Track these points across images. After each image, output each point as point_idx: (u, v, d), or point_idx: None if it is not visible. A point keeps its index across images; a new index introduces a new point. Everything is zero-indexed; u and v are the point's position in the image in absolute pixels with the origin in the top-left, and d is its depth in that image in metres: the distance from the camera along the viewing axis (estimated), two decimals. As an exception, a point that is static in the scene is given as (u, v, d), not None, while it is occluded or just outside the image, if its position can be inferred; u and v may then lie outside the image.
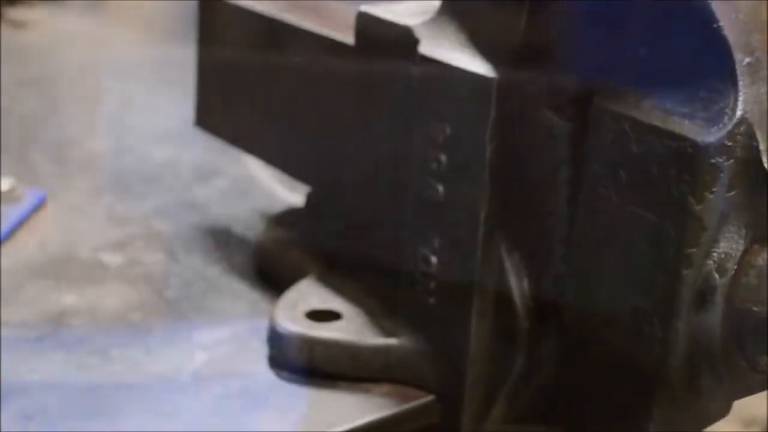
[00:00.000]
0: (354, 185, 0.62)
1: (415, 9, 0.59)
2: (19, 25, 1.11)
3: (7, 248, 0.69)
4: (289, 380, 0.59)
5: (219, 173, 0.81)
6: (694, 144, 0.47)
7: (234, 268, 0.69)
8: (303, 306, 0.61)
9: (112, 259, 0.69)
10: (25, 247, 0.70)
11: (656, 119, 0.48)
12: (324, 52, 0.63)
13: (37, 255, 0.69)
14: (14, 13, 1.13)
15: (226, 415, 0.56)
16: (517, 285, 0.55)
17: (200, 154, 0.81)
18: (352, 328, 0.60)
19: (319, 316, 0.60)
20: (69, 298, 0.65)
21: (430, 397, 0.58)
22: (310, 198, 0.66)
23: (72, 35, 1.12)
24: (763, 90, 0.47)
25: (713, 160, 0.46)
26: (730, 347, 0.48)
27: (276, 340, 0.59)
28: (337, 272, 0.64)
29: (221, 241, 0.72)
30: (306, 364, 0.59)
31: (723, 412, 0.55)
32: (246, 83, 0.70)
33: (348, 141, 0.61)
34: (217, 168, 0.81)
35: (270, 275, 0.67)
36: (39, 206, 0.75)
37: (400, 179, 0.58)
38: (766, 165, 0.47)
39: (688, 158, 0.47)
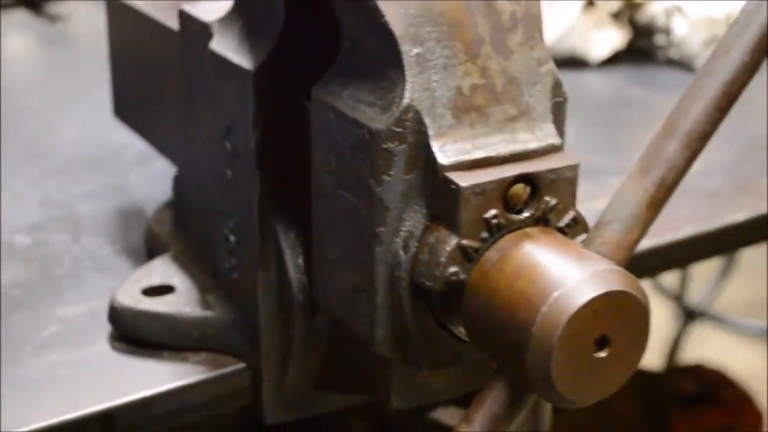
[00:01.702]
0: (189, 168, 0.67)
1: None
2: (56, 18, 1.20)
3: (-61, 231, 0.78)
4: (120, 351, 0.65)
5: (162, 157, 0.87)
6: (370, 131, 0.50)
7: (127, 248, 0.75)
8: (145, 282, 0.67)
9: (22, 240, 0.76)
10: (-53, 227, 0.78)
11: (348, 108, 0.51)
12: (170, 45, 0.68)
13: (-44, 236, 0.77)
14: (54, 6, 1.22)
15: (52, 381, 0.62)
16: (293, 262, 0.59)
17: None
18: (177, 302, 0.65)
19: (155, 291, 0.66)
20: (-34, 276, 0.72)
21: (240, 365, 0.63)
22: (174, 180, 0.72)
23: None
24: (435, 78, 0.50)
25: (385, 146, 0.49)
26: (423, 318, 0.51)
27: (112, 314, 0.65)
28: (189, 250, 0.69)
29: (130, 222, 0.78)
30: (134, 335, 0.65)
31: (468, 383, 0.58)
32: (136, 75, 0.76)
33: (187, 126, 0.66)
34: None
35: (153, 254, 0.73)
36: (-19, 191, 0.83)
37: (211, 164, 0.63)
38: (434, 150, 0.49)
39: (366, 144, 0.50)
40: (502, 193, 0.49)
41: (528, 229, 0.50)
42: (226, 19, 0.61)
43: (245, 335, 0.62)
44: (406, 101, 0.49)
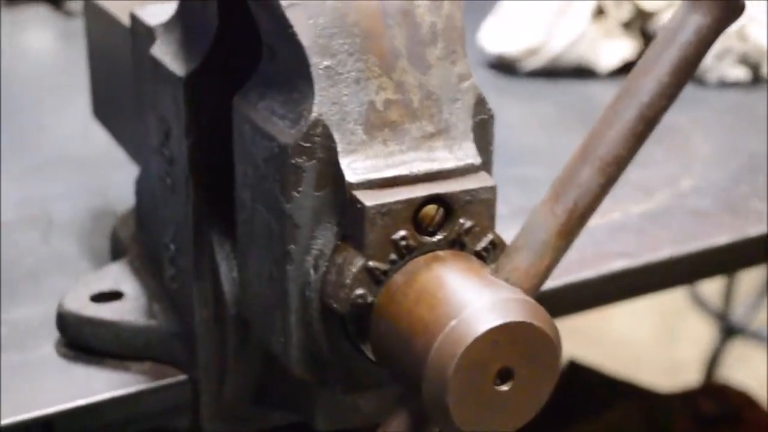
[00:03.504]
0: (143, 172, 0.66)
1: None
2: (74, 14, 1.20)
3: None
4: (65, 357, 0.64)
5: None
6: (279, 144, 0.48)
7: (94, 250, 0.75)
8: (95, 287, 0.66)
9: (-8, 238, 0.76)
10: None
11: (262, 120, 0.50)
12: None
13: (-67, 231, 0.77)
14: (73, 3, 1.22)
15: (-6, 385, 0.62)
16: (227, 274, 0.58)
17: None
18: (123, 309, 0.64)
19: (104, 297, 0.65)
20: (-73, 273, 0.72)
21: (182, 377, 0.62)
22: (136, 183, 0.71)
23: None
24: (346, 92, 0.48)
25: (293, 161, 0.48)
26: (336, 340, 0.50)
27: (59, 319, 0.64)
28: (145, 255, 0.68)
29: (102, 225, 0.78)
30: (80, 341, 0.64)
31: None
32: (108, 77, 0.75)
33: (143, 130, 0.65)
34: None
35: (116, 257, 0.72)
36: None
37: (155, 170, 0.62)
38: (342, 166, 0.48)
39: (276, 158, 0.49)
40: (412, 213, 0.47)
41: (440, 253, 0.48)
42: (169, 24, 0.59)
43: (186, 346, 0.61)
44: (314, 115, 0.48)
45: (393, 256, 0.47)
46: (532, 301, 0.45)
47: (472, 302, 0.44)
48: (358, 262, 0.47)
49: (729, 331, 1.79)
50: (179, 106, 0.56)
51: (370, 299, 0.47)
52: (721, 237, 0.75)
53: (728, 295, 1.81)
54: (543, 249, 0.46)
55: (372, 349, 0.48)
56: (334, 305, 0.48)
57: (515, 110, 1.03)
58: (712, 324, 1.83)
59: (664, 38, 0.46)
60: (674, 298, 1.92)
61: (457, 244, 0.48)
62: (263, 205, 0.50)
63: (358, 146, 0.48)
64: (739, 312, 1.82)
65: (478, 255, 0.49)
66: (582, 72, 1.01)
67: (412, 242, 0.47)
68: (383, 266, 0.47)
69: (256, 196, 0.51)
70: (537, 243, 0.46)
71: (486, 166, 0.50)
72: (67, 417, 0.60)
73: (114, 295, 0.65)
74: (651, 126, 0.46)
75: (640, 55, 1.02)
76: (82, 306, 0.64)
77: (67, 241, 0.76)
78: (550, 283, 0.70)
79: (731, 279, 1.81)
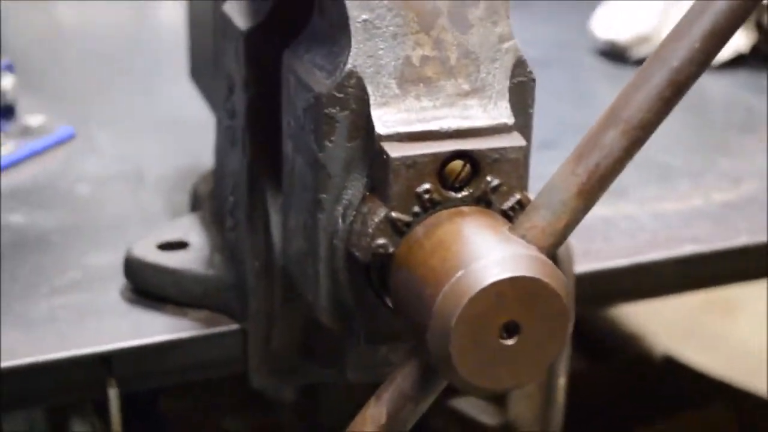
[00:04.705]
0: (217, 129, 0.68)
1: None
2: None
3: (8, 173, 0.81)
4: (128, 300, 0.66)
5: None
6: (315, 94, 0.49)
7: (175, 205, 0.77)
8: (165, 236, 0.68)
9: (83, 189, 0.79)
10: (20, 173, 0.81)
11: (304, 71, 0.51)
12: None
13: (23, 181, 0.80)
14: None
15: (53, 322, 0.64)
16: (278, 226, 0.59)
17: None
18: (187, 258, 0.66)
19: (171, 246, 0.67)
20: (14, 217, 0.75)
21: (235, 326, 0.64)
22: (215, 142, 0.73)
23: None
24: (382, 46, 0.49)
25: (327, 111, 0.49)
26: (360, 289, 0.50)
27: (125, 265, 0.67)
28: (216, 210, 0.70)
29: (188, 183, 0.80)
30: (143, 287, 0.66)
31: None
32: (199, 36, 0.77)
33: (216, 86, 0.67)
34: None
35: (195, 211, 0.74)
36: (66, 141, 0.86)
37: (222, 123, 0.64)
38: (373, 118, 0.48)
39: (312, 108, 0.50)
40: (438, 168, 0.48)
41: (464, 208, 0.48)
42: (239, -22, 0.61)
43: (240, 297, 0.63)
44: (348, 67, 0.48)
45: (416, 209, 0.48)
46: (544, 257, 0.45)
47: (482, 255, 0.45)
48: (381, 212, 0.48)
49: None
50: (240, 60, 0.58)
51: (391, 249, 0.48)
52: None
53: None
54: (561, 208, 0.46)
55: (391, 300, 0.49)
56: (357, 254, 0.49)
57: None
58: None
59: (700, 4, 0.45)
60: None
61: (483, 201, 0.49)
62: (301, 156, 0.51)
63: (391, 99, 0.49)
64: None
65: (505, 214, 0.49)
66: (690, 63, 0.99)
67: (436, 196, 0.48)
68: (406, 218, 0.48)
69: (296, 146, 0.52)
70: (556, 202, 0.46)
71: (523, 129, 0.50)
72: (124, 355, 0.62)
73: (180, 245, 0.67)
74: (680, 92, 0.45)
75: (753, 48, 1.00)
76: (148, 253, 0.66)
77: (154, 196, 0.78)
78: (614, 263, 0.70)
79: None
